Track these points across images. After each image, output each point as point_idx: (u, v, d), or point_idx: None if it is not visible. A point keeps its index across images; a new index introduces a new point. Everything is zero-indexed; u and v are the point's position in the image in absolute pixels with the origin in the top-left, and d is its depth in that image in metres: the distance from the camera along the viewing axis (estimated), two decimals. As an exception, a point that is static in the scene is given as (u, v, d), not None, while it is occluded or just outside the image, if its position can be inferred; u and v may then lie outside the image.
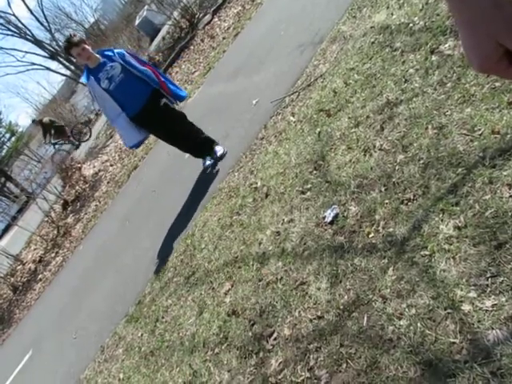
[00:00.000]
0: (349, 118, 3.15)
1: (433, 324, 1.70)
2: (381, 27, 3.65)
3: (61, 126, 14.31)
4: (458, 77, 2.52)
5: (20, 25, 18.79)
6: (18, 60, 19.93)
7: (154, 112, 4.49)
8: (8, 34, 19.01)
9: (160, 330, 3.43)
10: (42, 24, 20.27)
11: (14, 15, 18.87)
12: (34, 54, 25.12)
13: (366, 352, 1.84)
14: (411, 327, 1.75)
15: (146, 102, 4.42)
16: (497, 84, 2.25)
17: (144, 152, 8.85)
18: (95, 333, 4.66)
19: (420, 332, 1.71)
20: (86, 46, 4.25)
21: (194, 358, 2.81)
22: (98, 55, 4.33)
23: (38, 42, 19.60)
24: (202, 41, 10.43)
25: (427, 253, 1.92)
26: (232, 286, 2.99)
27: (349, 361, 1.88)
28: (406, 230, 2.10)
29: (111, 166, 11.10)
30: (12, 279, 11.53)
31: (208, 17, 10.95)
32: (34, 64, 20.20)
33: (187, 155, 5.35)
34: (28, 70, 20.04)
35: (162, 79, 4.54)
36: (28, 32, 18.96)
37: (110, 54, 4.37)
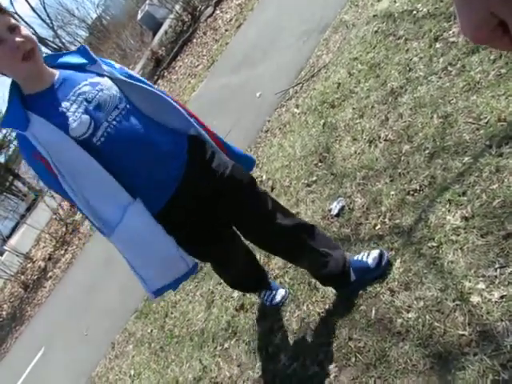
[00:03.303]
0: (353, 108, 3.12)
1: (441, 316, 1.68)
2: (384, 15, 3.60)
3: None
4: (463, 64, 2.48)
5: (23, 23, 18.79)
6: (22, 59, 19.86)
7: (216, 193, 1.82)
8: (11, 33, 18.98)
9: (169, 326, 3.45)
10: (44, 21, 20.20)
11: (16, 13, 18.72)
12: (37, 51, 25.11)
13: (375, 345, 1.83)
14: (420, 320, 1.74)
15: (187, 169, 1.73)
16: (502, 71, 2.21)
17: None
18: (105, 329, 4.70)
19: (429, 324, 1.70)
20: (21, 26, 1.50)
21: (203, 353, 2.82)
22: (51, 69, 1.60)
23: (41, 40, 19.55)
24: (205, 34, 10.37)
25: (434, 244, 1.90)
26: (239, 281, 2.99)
27: (357, 354, 1.88)
28: (412, 222, 2.08)
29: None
30: (22, 277, 11.66)
31: (210, 9, 10.89)
32: (38, 62, 20.15)
33: None
34: (32, 68, 19.84)
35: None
36: (31, 30, 18.96)
37: (83, 60, 1.66)
